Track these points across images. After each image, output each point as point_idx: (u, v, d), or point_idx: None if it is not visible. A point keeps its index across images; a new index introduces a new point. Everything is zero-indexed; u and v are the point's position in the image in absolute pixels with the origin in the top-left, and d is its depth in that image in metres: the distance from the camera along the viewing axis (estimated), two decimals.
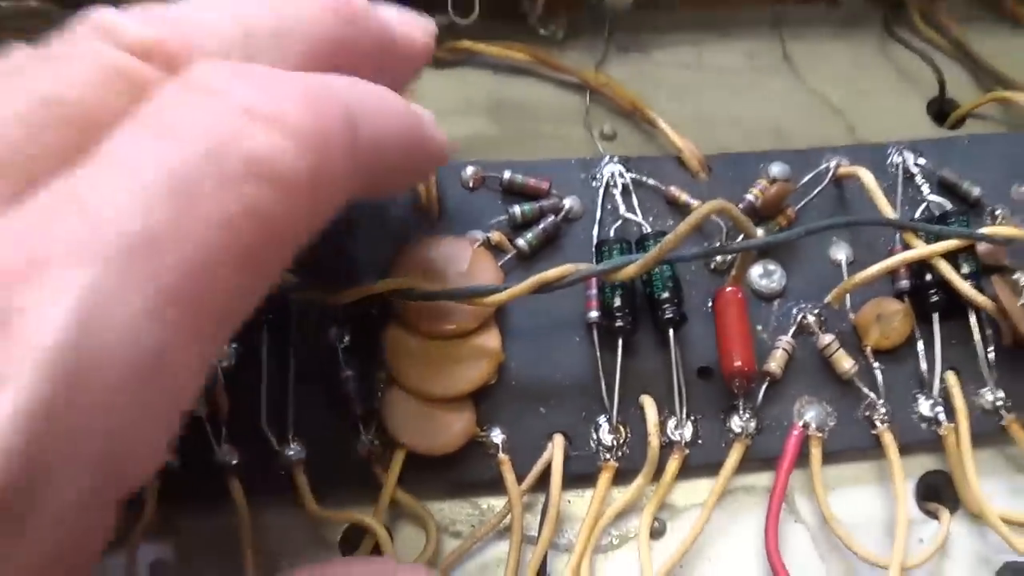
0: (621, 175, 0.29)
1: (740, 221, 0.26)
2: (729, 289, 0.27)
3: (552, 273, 0.25)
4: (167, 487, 0.24)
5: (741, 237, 0.27)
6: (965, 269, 0.28)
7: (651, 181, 0.30)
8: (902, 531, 0.26)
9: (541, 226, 0.29)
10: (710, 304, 0.28)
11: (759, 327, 0.28)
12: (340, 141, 0.17)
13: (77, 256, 0.14)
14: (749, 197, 0.29)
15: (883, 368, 0.28)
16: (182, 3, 0.19)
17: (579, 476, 0.27)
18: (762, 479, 0.28)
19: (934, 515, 0.27)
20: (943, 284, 0.28)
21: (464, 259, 0.27)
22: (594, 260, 0.28)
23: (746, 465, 0.27)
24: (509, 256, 0.28)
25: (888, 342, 0.28)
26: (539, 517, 0.27)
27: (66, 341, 0.13)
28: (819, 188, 0.30)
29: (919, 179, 0.30)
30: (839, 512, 0.27)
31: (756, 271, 0.29)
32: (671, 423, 0.27)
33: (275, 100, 0.17)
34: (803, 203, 0.30)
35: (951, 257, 0.28)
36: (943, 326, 0.28)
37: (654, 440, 0.26)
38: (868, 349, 0.28)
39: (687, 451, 0.27)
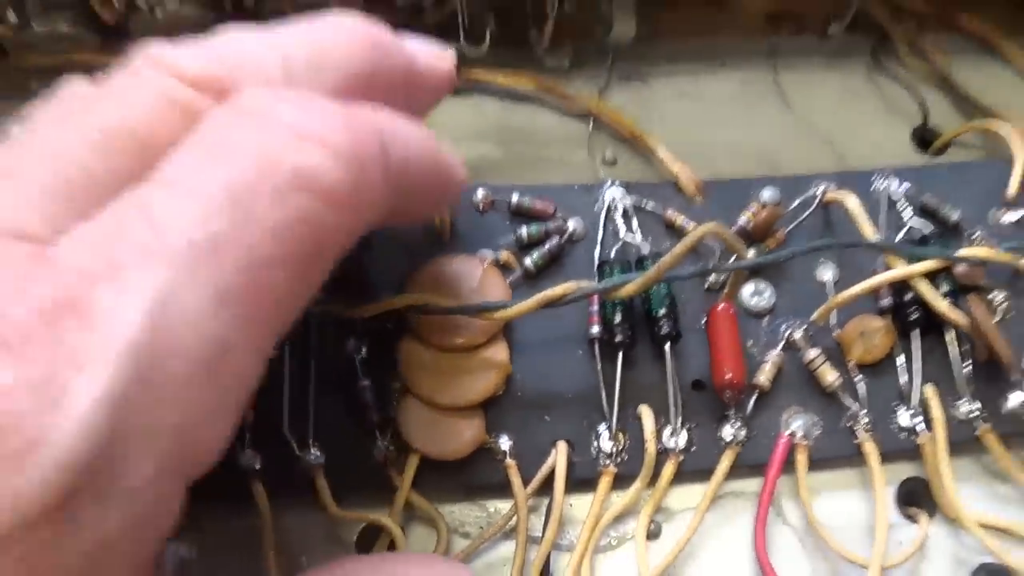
0: (622, 199, 0.30)
1: (732, 243, 0.26)
2: (722, 306, 0.28)
3: (557, 290, 0.25)
4: (194, 489, 0.24)
5: (734, 258, 0.27)
6: (943, 288, 0.28)
7: (650, 205, 0.30)
8: (882, 533, 0.26)
9: (547, 246, 0.29)
10: (704, 321, 0.28)
11: (750, 342, 0.29)
12: (375, 160, 0.18)
13: (149, 260, 0.15)
14: (742, 220, 0.29)
15: (865, 381, 0.28)
16: (228, 36, 0.20)
17: (581, 480, 0.27)
18: (751, 484, 0.28)
19: (913, 519, 0.28)
20: (922, 303, 0.28)
21: (475, 277, 0.28)
22: (596, 279, 0.29)
23: (736, 471, 0.27)
24: (517, 274, 0.29)
25: (870, 357, 0.28)
26: (543, 519, 0.27)
27: (141, 334, 0.15)
28: (807, 212, 0.30)
29: (902, 204, 0.30)
30: (823, 515, 0.27)
31: (747, 290, 0.29)
32: (667, 431, 0.27)
33: (317, 121, 0.17)
34: (792, 226, 0.30)
35: (930, 277, 0.28)
36: (922, 342, 0.28)
37: (651, 447, 0.27)
38: (851, 363, 0.28)
39: (681, 458, 0.27)
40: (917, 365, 0.28)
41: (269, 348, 0.18)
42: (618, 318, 0.27)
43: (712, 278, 0.29)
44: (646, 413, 0.27)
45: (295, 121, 0.17)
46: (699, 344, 0.28)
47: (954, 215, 0.30)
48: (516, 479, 0.27)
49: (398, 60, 0.22)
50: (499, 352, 0.27)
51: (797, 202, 0.30)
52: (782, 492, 0.28)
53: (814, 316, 0.28)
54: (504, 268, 0.29)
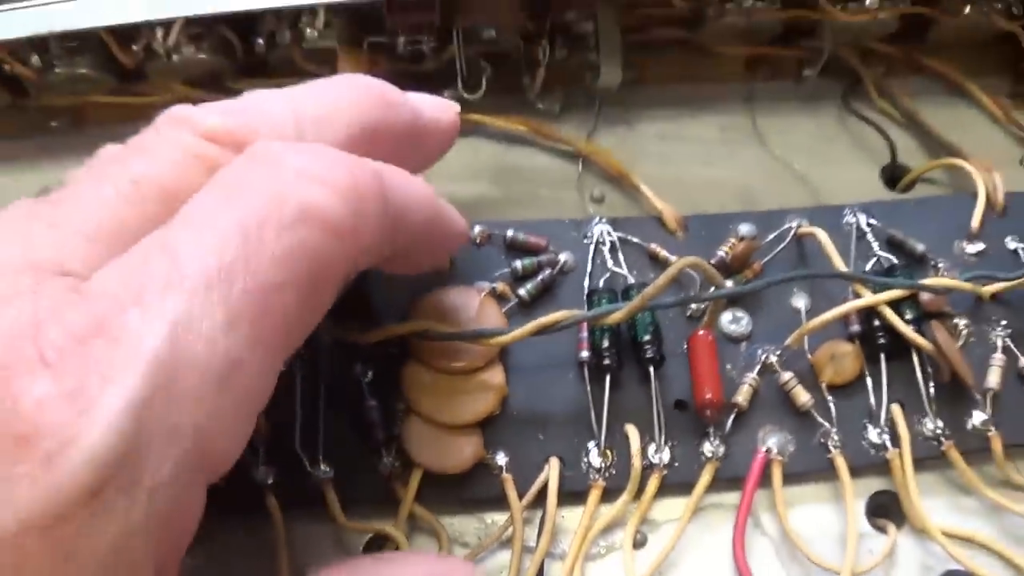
0: (609, 234, 0.31)
1: (711, 274, 0.27)
2: (702, 333, 0.29)
3: (549, 318, 0.26)
4: (209, 501, 0.24)
5: (713, 288, 0.28)
6: (908, 315, 0.29)
7: (635, 239, 0.31)
8: (852, 542, 0.27)
9: (540, 278, 0.30)
10: (685, 346, 0.29)
11: (728, 366, 0.29)
12: (374, 197, 0.20)
13: (169, 288, 0.17)
14: (720, 253, 0.31)
15: (836, 401, 0.29)
16: (246, 95, 0.21)
17: (572, 494, 0.28)
18: (731, 497, 0.28)
19: (883, 530, 0.28)
20: (889, 329, 0.29)
21: (473, 306, 0.28)
22: (585, 307, 0.29)
23: (716, 485, 0.28)
24: (512, 304, 0.30)
25: (841, 379, 0.29)
26: (537, 529, 0.28)
27: (162, 351, 0.16)
28: (782, 245, 0.31)
29: (870, 237, 0.31)
30: (798, 526, 0.28)
31: (726, 317, 0.30)
32: (651, 448, 0.28)
33: (320, 164, 0.19)
34: (768, 258, 0.31)
35: (896, 305, 0.29)
36: (889, 365, 0.29)
37: (637, 463, 0.27)
38: (823, 385, 0.29)
39: (665, 472, 0.28)
40: (884, 386, 0.29)
41: (279, 365, 0.19)
42: (606, 343, 0.28)
43: (693, 307, 0.30)
44: (632, 431, 0.28)
45: (301, 164, 0.19)
46: (681, 367, 0.29)
47: (920, 247, 0.31)
48: (512, 492, 0.27)
49: (403, 113, 0.23)
50: (496, 375, 0.28)
51: (772, 236, 0.31)
52: (759, 504, 0.28)
53: (788, 341, 0.29)
54: (500, 298, 0.30)
